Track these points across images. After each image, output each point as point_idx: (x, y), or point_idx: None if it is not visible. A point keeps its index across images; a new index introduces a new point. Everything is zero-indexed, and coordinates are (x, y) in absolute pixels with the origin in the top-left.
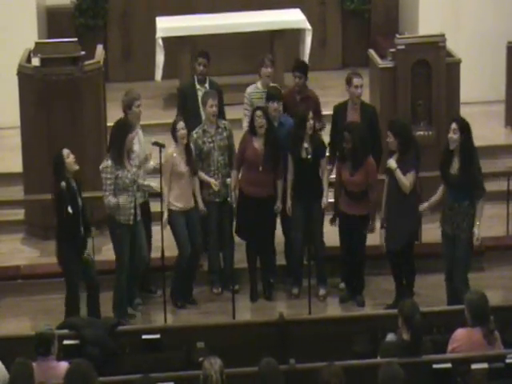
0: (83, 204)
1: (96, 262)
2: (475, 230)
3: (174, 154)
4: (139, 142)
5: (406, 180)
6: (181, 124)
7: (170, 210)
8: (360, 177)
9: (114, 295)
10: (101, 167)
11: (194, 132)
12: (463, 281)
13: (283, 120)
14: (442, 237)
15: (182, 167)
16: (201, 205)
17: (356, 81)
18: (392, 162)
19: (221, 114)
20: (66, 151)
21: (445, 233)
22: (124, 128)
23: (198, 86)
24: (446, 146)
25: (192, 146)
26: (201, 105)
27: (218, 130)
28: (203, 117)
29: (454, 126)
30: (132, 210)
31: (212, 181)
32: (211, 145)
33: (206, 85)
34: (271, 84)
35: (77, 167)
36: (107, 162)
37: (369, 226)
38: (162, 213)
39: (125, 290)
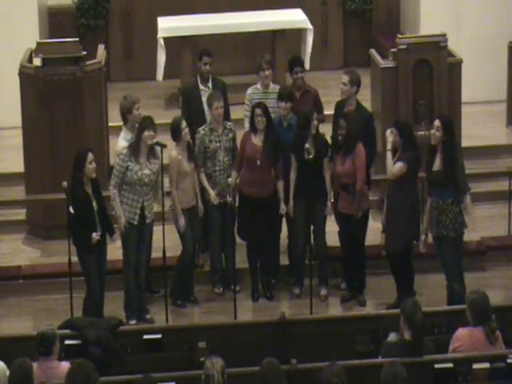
0: (101, 206)
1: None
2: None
3: (179, 156)
4: None
5: (393, 166)
6: (184, 123)
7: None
8: (349, 165)
9: (124, 295)
10: (117, 151)
11: (201, 128)
12: (456, 280)
13: (293, 122)
14: (433, 240)
15: (186, 166)
16: (200, 206)
17: (342, 77)
18: None
19: (226, 113)
20: (90, 157)
21: (433, 236)
22: (141, 124)
23: (201, 87)
24: (430, 144)
25: (197, 141)
26: (205, 105)
27: (224, 130)
28: (208, 117)
29: (437, 123)
30: (138, 211)
31: (212, 194)
32: (217, 144)
33: (209, 84)
34: (271, 85)
35: (94, 175)
36: (124, 150)
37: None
38: (163, 212)
39: (134, 290)
